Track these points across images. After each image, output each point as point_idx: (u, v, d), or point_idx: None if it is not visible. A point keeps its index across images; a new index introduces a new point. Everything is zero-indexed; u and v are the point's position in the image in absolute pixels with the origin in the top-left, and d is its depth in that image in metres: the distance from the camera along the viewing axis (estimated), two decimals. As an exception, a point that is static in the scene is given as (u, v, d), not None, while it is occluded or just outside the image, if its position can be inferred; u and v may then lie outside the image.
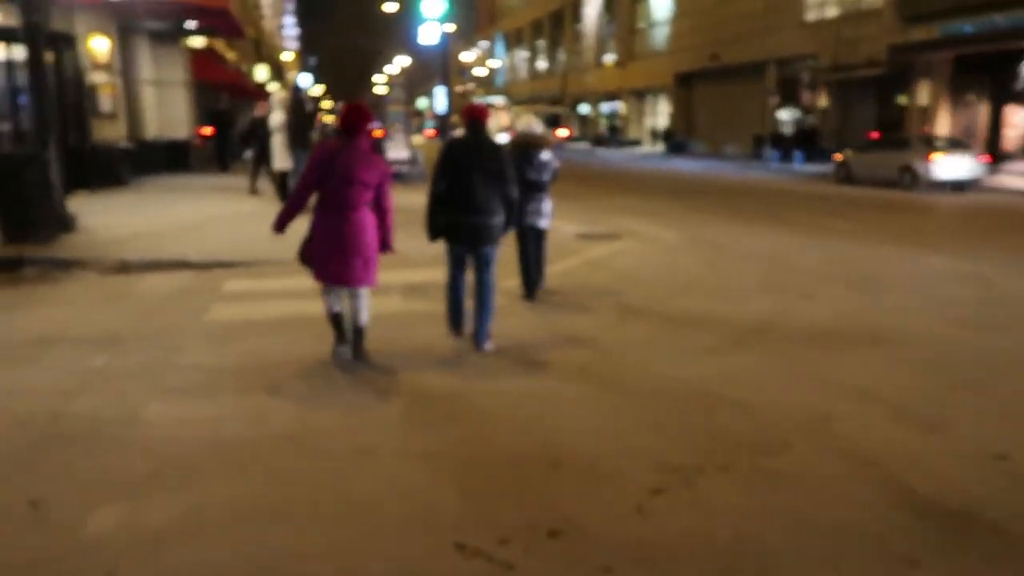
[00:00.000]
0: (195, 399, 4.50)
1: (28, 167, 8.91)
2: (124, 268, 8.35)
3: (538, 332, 6.00)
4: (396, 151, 18.02)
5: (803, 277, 8.28)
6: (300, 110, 11.93)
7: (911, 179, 18.61)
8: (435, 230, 5.40)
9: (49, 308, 6.76)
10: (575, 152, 42.67)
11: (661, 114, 44.65)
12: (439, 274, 6.83)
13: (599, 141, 47.94)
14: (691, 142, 39.12)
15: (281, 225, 5.02)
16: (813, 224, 12.70)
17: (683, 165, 30.83)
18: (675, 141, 39.80)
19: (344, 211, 4.76)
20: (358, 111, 4.92)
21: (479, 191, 5.18)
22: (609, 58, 49.60)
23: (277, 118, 12.23)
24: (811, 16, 30.27)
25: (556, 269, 8.32)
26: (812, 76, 29.70)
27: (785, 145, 29.69)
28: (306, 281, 5.60)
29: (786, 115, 32.04)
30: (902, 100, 25.81)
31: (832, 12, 29.00)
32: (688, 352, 5.51)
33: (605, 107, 52.01)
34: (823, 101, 29.59)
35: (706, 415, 4.24)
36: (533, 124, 7.12)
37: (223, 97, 28.11)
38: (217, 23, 17.75)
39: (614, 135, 48.20)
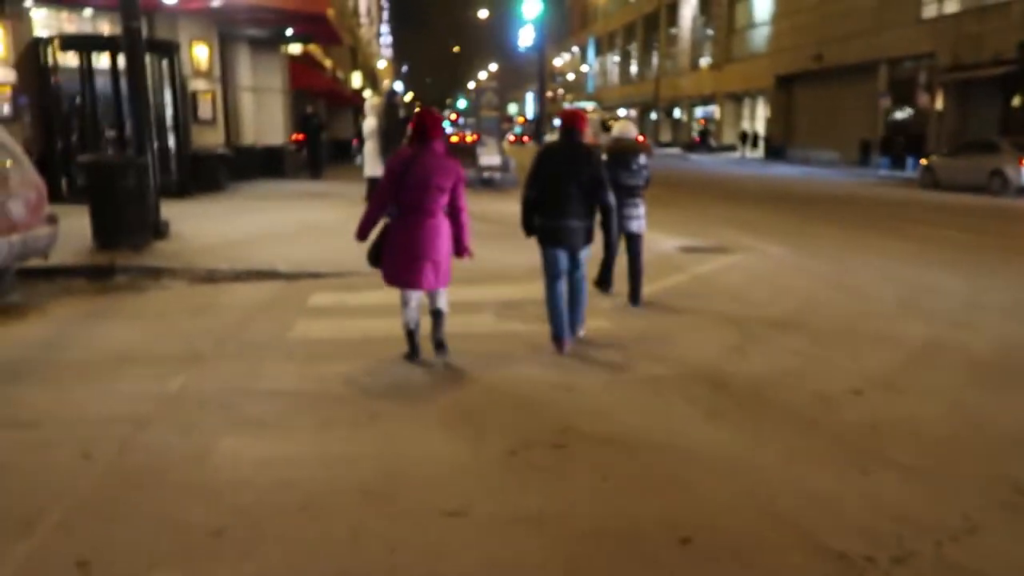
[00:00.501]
0: (271, 434, 4.07)
1: (124, 173, 8.85)
2: (212, 278, 8.16)
3: (656, 361, 5.36)
4: (488, 157, 17.64)
5: (946, 300, 7.33)
6: (393, 116, 11.63)
7: (1000, 184, 18.09)
8: (530, 229, 5.53)
9: (134, 321, 6.55)
10: (667, 157, 41.53)
11: (758, 118, 43.00)
12: (534, 289, 6.33)
13: (692, 146, 46.60)
14: (791, 147, 37.42)
15: (363, 233, 5.08)
16: (932, 236, 11.57)
17: (783, 171, 29.40)
18: (774, 146, 38.17)
19: (420, 216, 4.82)
20: (429, 117, 4.97)
21: (572, 196, 5.23)
22: (704, 61, 48.20)
23: (370, 124, 11.98)
24: (928, 12, 28.35)
25: (663, 286, 7.65)
26: (929, 76, 27.78)
27: (896, 151, 27.88)
28: (393, 295, 5.35)
29: (898, 118, 30.12)
30: (1032, 101, 23.76)
31: (952, 7, 27.05)
32: (834, 390, 4.75)
33: (699, 111, 50.58)
34: (940, 103, 27.63)
35: (865, 477, 3.52)
36: (629, 129, 7.11)
37: (319, 103, 28.51)
38: (315, 30, 17.80)
39: (708, 139, 46.75)
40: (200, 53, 14.97)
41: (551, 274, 5.42)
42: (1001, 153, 18.50)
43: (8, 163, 7.20)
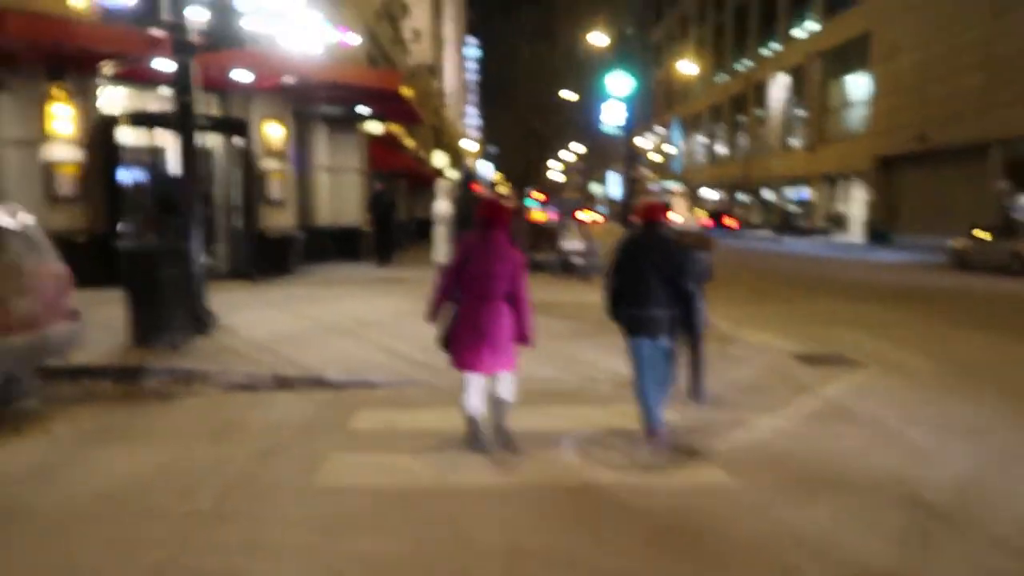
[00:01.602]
0: None
1: (163, 262, 7.97)
2: (250, 384, 7.06)
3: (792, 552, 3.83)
4: (571, 241, 16.45)
5: None
6: (468, 200, 10.55)
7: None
8: (616, 317, 5.50)
9: (141, 446, 5.45)
10: (757, 240, 39.64)
11: (855, 201, 40.76)
12: (623, 415, 5.56)
13: (784, 229, 44.52)
14: (894, 232, 35.03)
15: (433, 316, 5.31)
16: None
17: (890, 258, 27.18)
18: (877, 231, 35.86)
19: (480, 301, 5.01)
20: (495, 207, 5.25)
21: (654, 287, 5.29)
22: (796, 142, 46.54)
23: (441, 208, 10.97)
24: (1049, 90, 26.19)
25: (790, 415, 6.08)
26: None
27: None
28: (447, 421, 5.23)
29: (1020, 202, 27.65)
30: None
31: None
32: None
33: (791, 193, 48.63)
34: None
35: None
36: (693, 223, 7.24)
37: (400, 183, 28.19)
38: (391, 108, 17.27)
39: (800, 223, 44.65)
40: (272, 132, 14.48)
41: (638, 363, 5.39)
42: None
43: (21, 252, 6.36)
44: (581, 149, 68.37)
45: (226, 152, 13.85)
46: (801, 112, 45.89)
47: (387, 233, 16.37)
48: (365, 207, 16.32)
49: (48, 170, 11.94)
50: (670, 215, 6.11)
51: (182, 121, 8.85)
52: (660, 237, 5.47)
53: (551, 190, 59.96)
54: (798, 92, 46.28)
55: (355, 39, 15.09)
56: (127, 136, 12.68)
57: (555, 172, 79.18)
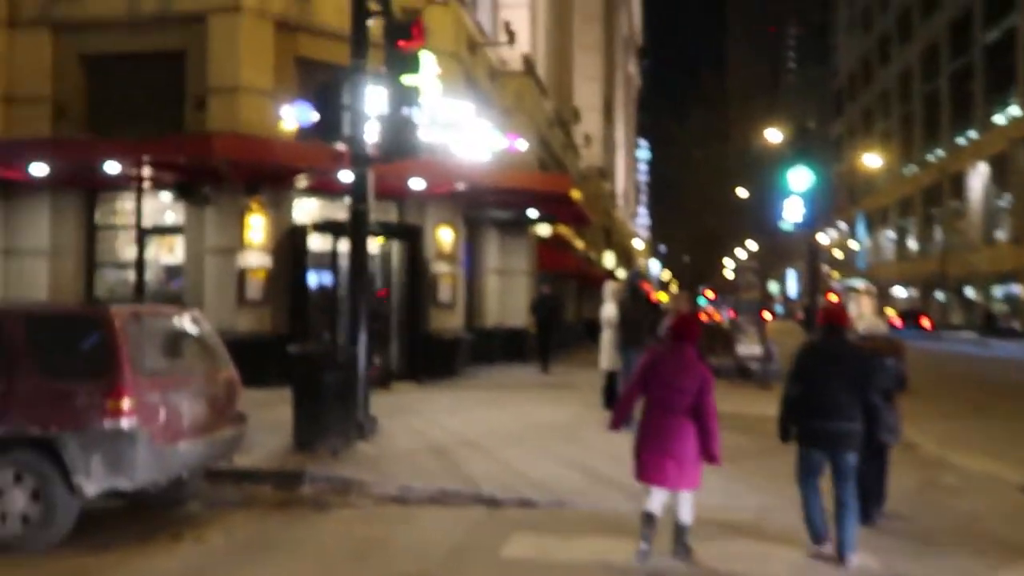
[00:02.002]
0: None
1: (330, 365, 8.03)
2: (404, 497, 6.78)
3: None
4: (747, 346, 15.37)
5: None
6: (636, 304, 10.00)
7: None
8: (786, 433, 5.33)
9: (290, 557, 5.28)
10: (959, 343, 35.73)
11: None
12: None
13: (989, 330, 39.89)
14: None
15: (616, 424, 5.40)
16: None
17: None
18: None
19: (664, 413, 4.95)
20: (688, 322, 5.31)
21: (836, 396, 5.06)
22: (1001, 234, 42.33)
23: (608, 312, 10.51)
24: None
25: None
26: None
27: None
28: (619, 550, 5.02)
29: None
30: None
31: None
32: None
33: (998, 290, 43.91)
34: None
35: None
36: (878, 325, 6.90)
37: (569, 283, 28.19)
38: (561, 211, 17.33)
39: (1009, 323, 39.94)
40: (444, 236, 14.85)
41: (804, 475, 5.22)
42: None
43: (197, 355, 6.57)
44: (755, 247, 66.17)
45: (400, 256, 14.29)
46: (1005, 202, 41.89)
47: (550, 336, 15.96)
48: (529, 309, 16.08)
49: (241, 275, 12.78)
50: (855, 316, 6.14)
51: (355, 228, 9.13)
52: (843, 343, 5.35)
53: (724, 289, 58.03)
54: (1001, 181, 42.43)
55: (523, 145, 15.38)
56: (314, 243, 13.41)
57: (728, 271, 76.98)
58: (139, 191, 13.53)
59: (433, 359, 14.27)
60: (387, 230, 13.86)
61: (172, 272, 13.68)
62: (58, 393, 5.58)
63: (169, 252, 13.75)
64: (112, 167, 11.82)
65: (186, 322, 6.73)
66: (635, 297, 9.98)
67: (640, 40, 79.02)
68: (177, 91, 13.41)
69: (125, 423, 5.49)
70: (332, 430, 7.92)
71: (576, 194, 15.69)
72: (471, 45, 16.31)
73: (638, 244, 75.17)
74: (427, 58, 13.04)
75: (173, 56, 13.42)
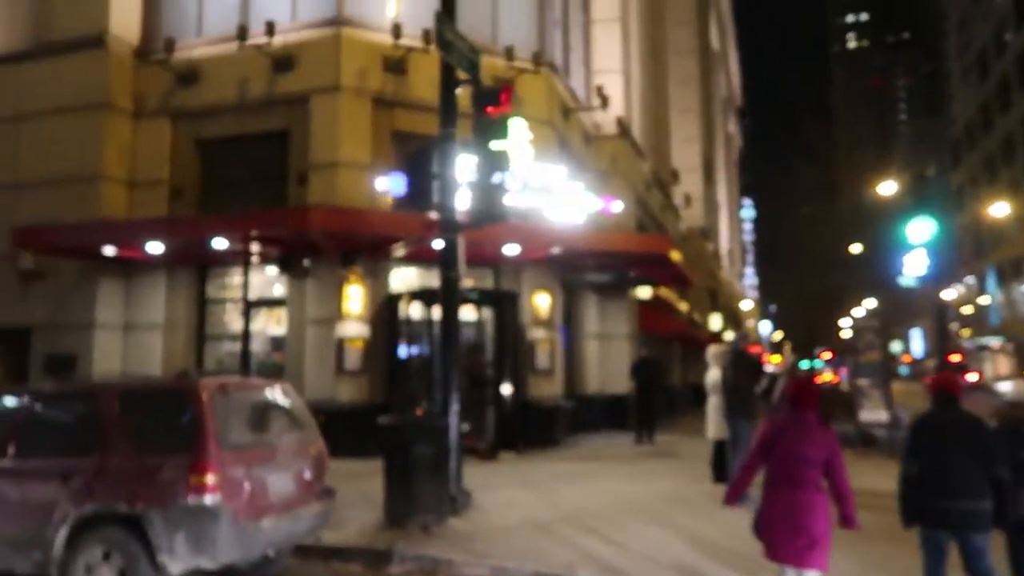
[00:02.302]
0: None
1: (421, 437, 7.79)
2: (495, 580, 6.36)
3: None
4: (871, 411, 14.20)
5: None
6: (742, 368, 9.33)
7: None
8: (908, 514, 5.05)
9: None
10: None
11: None
12: None
13: None
14: None
15: (732, 498, 5.14)
16: None
17: None
18: None
19: (789, 488, 4.64)
20: (805, 387, 4.94)
21: (957, 471, 4.80)
22: None
23: (713, 376, 9.89)
24: None
25: None
26: None
27: None
28: None
29: None
30: None
31: None
32: None
33: None
34: None
35: None
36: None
37: (674, 347, 27.31)
38: (661, 272, 16.81)
39: None
40: (541, 302, 14.60)
41: (929, 559, 4.93)
42: None
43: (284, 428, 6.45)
44: (872, 304, 62.74)
45: (496, 323, 14.11)
46: None
47: (652, 402, 15.09)
48: (629, 374, 15.40)
49: (340, 345, 12.89)
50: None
51: (445, 294, 9.00)
52: (960, 413, 5.10)
53: (842, 350, 55.05)
54: None
55: (618, 206, 15.06)
56: (410, 311, 13.43)
57: (845, 330, 73.20)
58: (246, 265, 14.03)
59: (531, 428, 13.87)
60: (483, 297, 13.76)
61: (276, 343, 13.98)
62: (146, 468, 5.55)
63: (274, 323, 14.09)
64: (218, 242, 12.27)
65: (275, 394, 6.66)
66: (741, 361, 9.32)
67: (739, 100, 78.24)
68: (281, 168, 13.96)
69: (208, 499, 5.39)
70: (423, 505, 7.63)
71: (676, 254, 15.18)
72: (564, 111, 16.32)
73: (746, 305, 72.77)
74: (518, 124, 13.11)
75: (278, 136, 14.03)
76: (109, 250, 13.25)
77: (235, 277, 14.31)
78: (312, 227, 11.56)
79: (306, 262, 12.97)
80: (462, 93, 9.48)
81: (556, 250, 13.57)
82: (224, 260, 14.01)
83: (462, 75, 9.39)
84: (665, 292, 23.57)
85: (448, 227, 9.13)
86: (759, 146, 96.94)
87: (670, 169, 26.41)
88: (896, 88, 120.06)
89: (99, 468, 5.65)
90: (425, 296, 13.48)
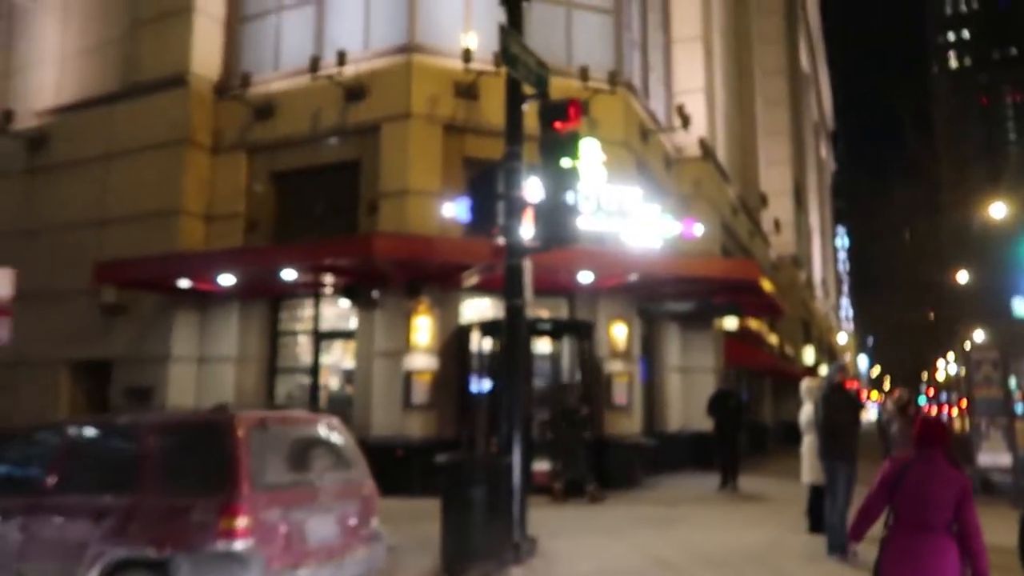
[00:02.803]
0: None
1: (480, 477, 7.20)
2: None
3: None
4: (991, 453, 12.76)
5: None
6: (838, 405, 8.34)
7: None
8: None
9: None
10: None
11: None
12: None
13: None
14: None
15: (856, 535, 4.58)
16: None
17: None
18: None
19: (917, 532, 4.18)
20: (935, 425, 4.44)
21: None
22: None
23: (806, 413, 8.93)
24: None
25: None
26: None
27: None
28: None
29: None
30: None
31: None
32: None
33: None
34: None
35: None
36: None
37: (764, 381, 25.91)
38: (748, 301, 15.80)
39: None
40: (618, 332, 13.84)
41: None
42: None
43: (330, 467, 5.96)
44: (980, 337, 58.48)
45: (571, 355, 13.46)
46: None
47: (734, 441, 13.75)
48: (706, 409, 14.12)
49: (408, 378, 12.49)
50: None
51: (510, 323, 8.44)
52: None
53: (950, 386, 51.48)
54: None
55: (700, 230, 14.24)
56: (481, 343, 12.93)
57: (951, 364, 68.58)
58: (317, 297, 13.88)
59: (607, 468, 13.04)
60: (556, 327, 13.13)
61: (348, 376, 13.71)
62: (177, 509, 5.16)
63: (345, 356, 13.84)
64: (287, 273, 12.14)
65: (321, 430, 6.22)
66: (836, 396, 8.33)
67: (832, 124, 75.51)
68: (353, 199, 13.82)
69: (239, 545, 4.94)
70: (482, 551, 7.01)
71: (766, 282, 14.20)
72: (643, 132, 15.67)
73: (842, 338, 69.31)
74: (590, 144, 12.61)
75: (350, 166, 13.92)
76: (184, 283, 13.33)
77: (307, 309, 14.19)
78: (376, 254, 11.24)
79: (375, 293, 12.67)
80: (530, 110, 9.00)
81: (634, 277, 12.88)
82: (295, 292, 13.92)
83: (529, 90, 8.92)
84: (753, 323, 22.37)
85: (513, 251, 8.61)
86: (853, 172, 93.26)
87: (758, 193, 25.25)
88: (1004, 106, 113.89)
89: (132, 508, 5.30)
90: (496, 327, 12.93)
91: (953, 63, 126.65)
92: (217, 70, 15.17)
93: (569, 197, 8.50)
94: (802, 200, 40.02)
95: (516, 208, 8.63)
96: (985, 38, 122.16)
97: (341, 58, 13.33)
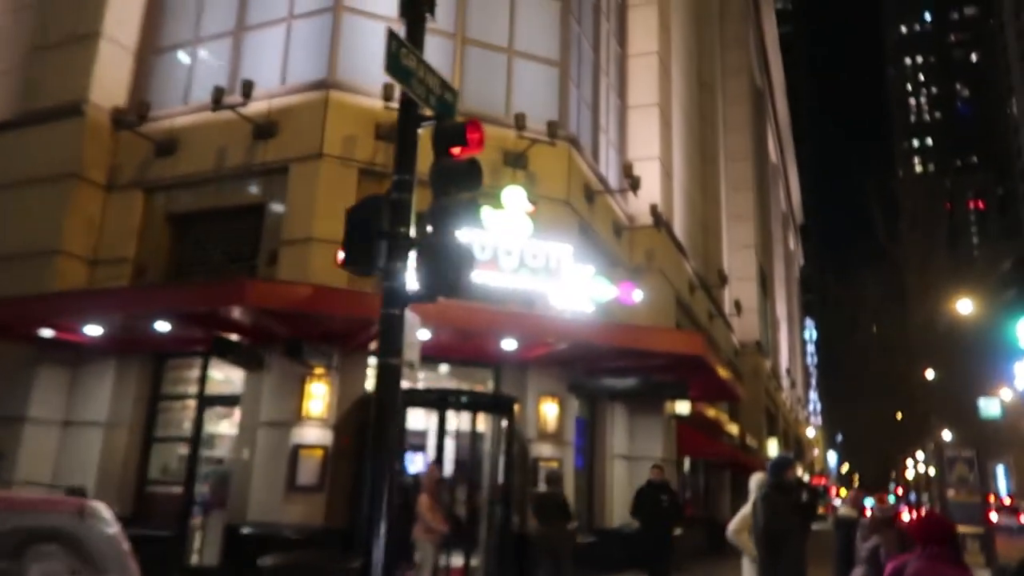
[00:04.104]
0: None
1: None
2: None
3: None
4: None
5: None
6: (781, 507, 6.59)
7: None
8: None
9: None
10: None
11: None
12: None
13: None
14: None
15: None
16: None
17: None
18: None
19: None
20: (941, 522, 4.31)
21: None
22: None
23: (739, 519, 7.22)
24: None
25: None
26: None
27: None
28: None
29: None
30: None
31: None
32: None
33: None
34: None
35: None
36: None
37: (722, 475, 24.13)
38: (699, 381, 14.15)
39: None
40: (548, 411, 12.16)
41: None
42: None
43: None
44: (948, 436, 57.10)
45: (493, 435, 11.71)
46: None
47: (663, 544, 11.51)
48: (631, 505, 11.59)
49: (294, 454, 10.64)
50: None
51: (381, 388, 6.77)
52: None
53: (920, 487, 49.86)
54: None
55: (639, 296, 12.80)
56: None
57: (920, 463, 67.06)
58: (205, 357, 12.08)
59: (533, 566, 11.13)
60: (472, 401, 11.44)
61: (233, 447, 11.80)
62: None
63: (231, 425, 11.95)
64: (156, 323, 10.40)
65: (66, 520, 4.45)
66: (780, 498, 6.58)
67: (800, 218, 75.97)
68: (255, 245, 12.25)
69: None
70: None
71: (712, 358, 12.67)
72: (588, 193, 14.37)
73: (810, 432, 67.68)
74: (516, 193, 11.21)
75: (253, 209, 12.41)
76: (45, 331, 11.50)
77: (193, 370, 12.35)
78: (247, 303, 9.56)
79: (260, 352, 10.93)
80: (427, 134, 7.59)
81: (563, 345, 11.24)
82: (181, 350, 12.13)
83: (427, 111, 7.52)
84: (711, 410, 20.74)
85: (392, 299, 7.02)
86: (822, 265, 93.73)
87: (718, 270, 24.01)
88: (967, 211, 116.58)
89: None
90: (412, 397, 11.25)
91: (918, 167, 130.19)
92: (123, 101, 13.73)
93: (462, 237, 7.03)
94: (768, 288, 39.12)
95: (399, 248, 7.09)
96: (947, 146, 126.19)
97: (247, 89, 11.97)
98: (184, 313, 10.11)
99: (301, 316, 9.88)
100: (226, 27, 13.71)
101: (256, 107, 12.38)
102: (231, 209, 12.63)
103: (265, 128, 12.28)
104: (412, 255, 7.11)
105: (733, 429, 24.26)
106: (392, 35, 7.13)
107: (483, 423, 11.74)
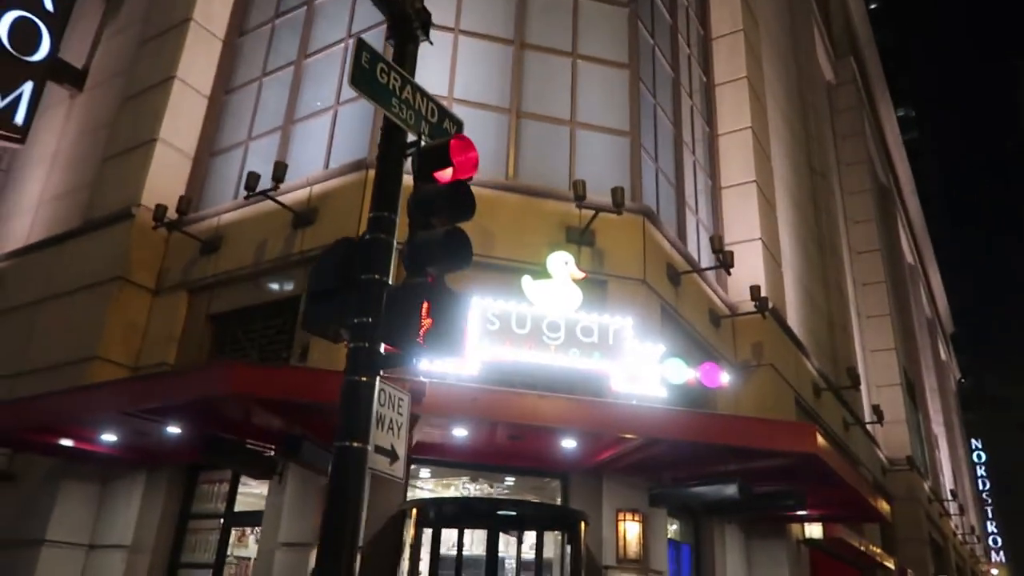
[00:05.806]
0: None
1: None
2: None
3: None
4: None
5: None
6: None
7: None
8: None
9: None
10: None
11: None
12: None
13: None
14: None
15: None
16: None
17: None
18: None
19: None
20: None
21: None
22: None
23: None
24: None
25: None
26: None
27: None
28: None
29: None
30: None
31: None
32: None
33: None
34: None
35: None
36: None
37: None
38: (820, 491, 11.31)
39: None
40: (628, 530, 9.80)
41: None
42: None
43: None
44: None
45: (560, 559, 9.50)
46: None
47: None
48: None
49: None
50: None
51: (336, 481, 5.04)
52: None
53: None
54: None
55: (725, 378, 10.47)
56: (423, 534, 9.23)
57: None
58: (234, 475, 10.71)
59: None
60: (527, 517, 9.33)
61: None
62: None
63: (253, 546, 10.35)
64: (160, 425, 9.13)
65: None
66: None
67: (950, 327, 69.19)
68: (288, 342, 11.05)
69: None
70: None
71: (833, 455, 10.00)
72: (672, 273, 12.42)
73: (994, 573, 58.35)
74: (562, 257, 9.57)
75: (288, 303, 11.27)
76: (65, 441, 10.51)
77: (224, 484, 10.97)
78: (231, 391, 8.08)
79: (279, 459, 9.40)
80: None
81: (635, 439, 9.00)
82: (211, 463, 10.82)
83: (411, 132, 6.15)
84: (855, 539, 17.21)
85: (357, 363, 5.41)
86: (982, 380, 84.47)
87: (849, 368, 20.78)
88: None
89: None
90: (449, 512, 9.34)
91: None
92: (173, 204, 13.31)
93: (444, 290, 5.44)
94: (917, 398, 34.47)
95: (373, 299, 5.54)
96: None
97: (278, 172, 11.15)
98: (174, 407, 8.79)
99: (300, 407, 8.33)
100: (276, 123, 13.30)
101: (297, 196, 11.58)
102: (268, 304, 11.59)
103: (304, 216, 11.37)
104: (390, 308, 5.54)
105: (889, 564, 20.21)
106: (361, 44, 5.88)
107: (549, 545, 9.57)
